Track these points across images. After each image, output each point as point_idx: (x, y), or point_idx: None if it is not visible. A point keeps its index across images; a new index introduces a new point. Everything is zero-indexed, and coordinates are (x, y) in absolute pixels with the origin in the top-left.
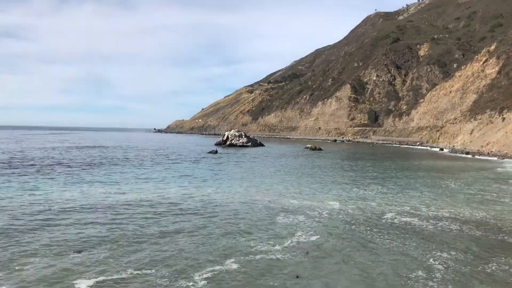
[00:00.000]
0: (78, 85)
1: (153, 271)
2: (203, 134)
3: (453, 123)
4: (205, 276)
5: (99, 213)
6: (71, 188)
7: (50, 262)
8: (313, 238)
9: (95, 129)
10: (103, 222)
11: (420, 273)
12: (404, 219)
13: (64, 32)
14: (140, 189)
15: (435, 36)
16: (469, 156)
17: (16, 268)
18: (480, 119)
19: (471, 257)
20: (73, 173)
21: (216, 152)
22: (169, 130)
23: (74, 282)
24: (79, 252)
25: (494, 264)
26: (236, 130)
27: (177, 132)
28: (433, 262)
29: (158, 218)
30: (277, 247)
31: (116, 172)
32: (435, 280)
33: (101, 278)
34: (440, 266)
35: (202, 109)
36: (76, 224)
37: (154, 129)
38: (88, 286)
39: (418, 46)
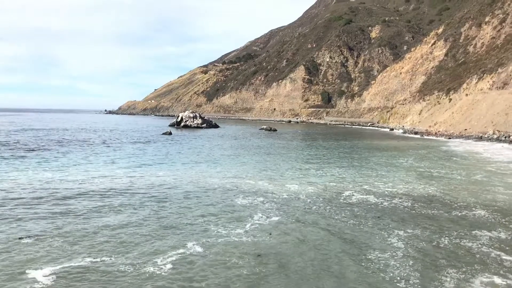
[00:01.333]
0: (24, 64)
1: (113, 259)
2: (156, 115)
3: (403, 104)
4: (169, 260)
5: (45, 199)
6: (17, 173)
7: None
8: (274, 219)
9: (42, 111)
10: (50, 208)
11: (379, 253)
12: (360, 196)
13: (8, 9)
14: (88, 172)
15: (386, 19)
16: (418, 136)
17: None
18: (428, 100)
19: (427, 232)
20: (13, 157)
21: (170, 133)
22: (120, 111)
23: (28, 271)
24: (29, 238)
25: (447, 238)
26: (191, 111)
27: (129, 114)
28: (392, 240)
29: (109, 202)
30: (238, 230)
31: (61, 155)
32: (396, 258)
33: (58, 267)
34: (400, 244)
35: (155, 89)
36: (21, 212)
37: (105, 110)
38: (44, 275)
39: (370, 28)
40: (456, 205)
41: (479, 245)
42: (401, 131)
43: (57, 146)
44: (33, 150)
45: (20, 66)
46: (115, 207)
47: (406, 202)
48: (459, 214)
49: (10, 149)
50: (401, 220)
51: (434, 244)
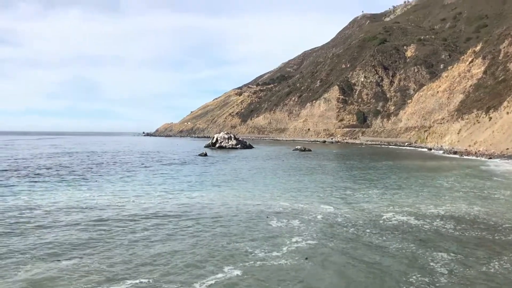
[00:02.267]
0: (65, 89)
1: (151, 281)
2: (192, 137)
3: (441, 123)
4: (208, 284)
5: (81, 217)
6: (58, 193)
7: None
8: (311, 242)
9: (83, 134)
10: (85, 227)
11: (421, 276)
12: (400, 218)
13: (50, 37)
14: (124, 193)
15: (422, 37)
16: (457, 156)
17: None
18: (467, 119)
19: (472, 258)
20: (56, 179)
21: (205, 154)
22: (158, 133)
23: None
24: (68, 260)
25: (496, 264)
26: (225, 132)
27: (166, 135)
28: (434, 265)
29: (147, 223)
30: (275, 253)
31: (99, 177)
32: (438, 285)
33: None
34: (443, 269)
35: (191, 112)
36: (58, 229)
37: (143, 132)
38: None
39: (405, 47)
40: (501, 228)
41: None
42: (440, 151)
43: (96, 168)
44: (73, 172)
45: (62, 91)
46: (151, 230)
47: (448, 224)
48: (505, 238)
49: (53, 171)
50: (444, 243)
51: (483, 269)
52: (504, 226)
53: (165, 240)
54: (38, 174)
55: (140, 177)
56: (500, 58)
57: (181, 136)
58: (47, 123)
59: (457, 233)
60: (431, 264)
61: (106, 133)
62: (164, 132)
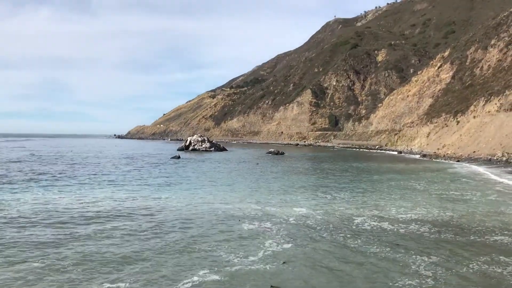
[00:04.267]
0: (35, 91)
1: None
2: (165, 139)
3: (410, 127)
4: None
5: (47, 222)
6: (27, 196)
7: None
8: (286, 246)
9: (53, 136)
10: (43, 229)
11: (407, 280)
12: (374, 223)
13: (19, 37)
14: (93, 194)
15: (392, 42)
16: (426, 158)
17: None
18: (436, 122)
19: (453, 260)
20: (27, 181)
21: (178, 157)
22: (129, 135)
23: None
24: (37, 262)
25: (478, 264)
26: (199, 135)
27: (138, 138)
28: (418, 268)
29: (112, 226)
30: (251, 258)
31: (70, 178)
32: (427, 286)
33: None
34: (427, 272)
35: (164, 114)
36: (23, 236)
37: (114, 135)
38: None
39: (376, 52)
40: (475, 230)
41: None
42: (409, 154)
43: (65, 170)
44: (40, 174)
45: (31, 93)
46: (119, 232)
47: (423, 227)
48: (480, 239)
49: (20, 173)
50: (421, 246)
51: (464, 270)
52: (477, 228)
53: (132, 244)
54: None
55: (107, 180)
56: (467, 63)
57: (153, 139)
58: (16, 126)
59: (433, 236)
60: (414, 267)
61: (77, 135)
62: (136, 135)
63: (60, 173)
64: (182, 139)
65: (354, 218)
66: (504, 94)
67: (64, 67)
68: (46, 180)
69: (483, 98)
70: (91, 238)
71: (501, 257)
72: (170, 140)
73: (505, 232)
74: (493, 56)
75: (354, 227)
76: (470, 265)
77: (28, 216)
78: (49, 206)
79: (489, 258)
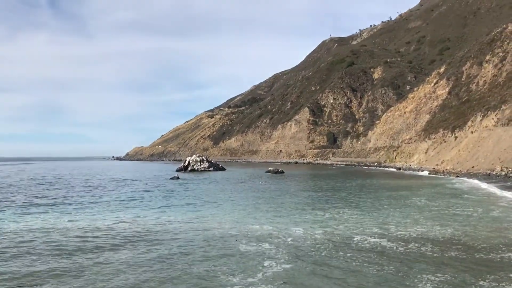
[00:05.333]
0: (31, 113)
1: None
2: (163, 160)
3: (409, 143)
4: None
5: (48, 244)
6: (25, 219)
7: None
8: (286, 266)
9: (51, 159)
10: (49, 252)
11: None
12: (374, 240)
13: (17, 60)
14: (94, 218)
15: (388, 60)
16: (426, 174)
17: None
18: (434, 138)
19: (459, 278)
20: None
21: (177, 178)
22: (128, 157)
23: None
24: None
25: (486, 284)
26: (198, 155)
27: (137, 159)
28: (425, 287)
29: (113, 248)
30: (250, 279)
31: (71, 202)
32: None
33: None
34: None
35: (162, 135)
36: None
37: (113, 157)
38: None
39: (372, 69)
40: (480, 247)
41: None
42: (408, 170)
43: (66, 195)
44: (41, 198)
45: (28, 115)
46: (118, 255)
47: (425, 245)
48: (486, 257)
49: (18, 197)
50: (425, 264)
51: None
52: (482, 245)
53: (133, 265)
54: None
55: (108, 203)
56: (463, 79)
57: (151, 160)
58: (12, 149)
59: (436, 253)
60: (420, 286)
61: (75, 158)
62: (135, 156)
63: (61, 197)
64: (181, 160)
65: (353, 236)
66: (501, 109)
67: (61, 89)
68: (46, 204)
69: (480, 113)
70: (91, 263)
71: (511, 275)
72: (169, 160)
73: (511, 249)
74: (489, 71)
75: (354, 246)
76: (480, 283)
77: (28, 240)
78: (51, 230)
79: (497, 276)
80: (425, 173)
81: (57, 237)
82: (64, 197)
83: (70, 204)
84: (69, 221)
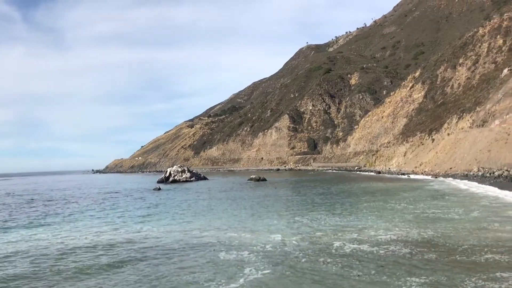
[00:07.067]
0: (10, 129)
1: None
2: (144, 172)
3: (387, 147)
4: None
5: (29, 259)
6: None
7: None
8: (266, 272)
9: (30, 174)
10: (22, 263)
11: None
12: (354, 245)
13: None
14: (77, 230)
15: (364, 66)
16: (405, 177)
17: None
18: (411, 141)
19: (445, 280)
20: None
21: (159, 189)
22: (108, 170)
23: None
24: None
25: (472, 284)
26: (179, 165)
27: (117, 172)
28: None
29: (96, 260)
30: (232, 285)
31: (52, 214)
32: None
33: None
34: None
35: (142, 146)
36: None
37: (92, 170)
38: None
39: (349, 75)
40: (461, 248)
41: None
42: (388, 173)
43: (45, 209)
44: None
45: (6, 131)
46: (97, 265)
47: (405, 248)
48: (469, 259)
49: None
50: (407, 267)
51: None
52: (464, 246)
53: (111, 275)
54: None
55: (86, 215)
56: (438, 82)
57: (132, 172)
58: None
59: (417, 256)
60: None
61: (55, 172)
62: (114, 169)
63: (40, 211)
64: (162, 171)
65: (333, 241)
66: (475, 110)
67: (40, 103)
68: (24, 220)
69: (455, 115)
70: (70, 273)
71: (496, 274)
72: (149, 172)
73: (494, 250)
74: (462, 74)
75: (333, 251)
76: (465, 282)
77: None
78: (30, 244)
79: (483, 276)
80: (404, 176)
81: (34, 252)
82: (43, 212)
83: (45, 220)
84: (52, 235)
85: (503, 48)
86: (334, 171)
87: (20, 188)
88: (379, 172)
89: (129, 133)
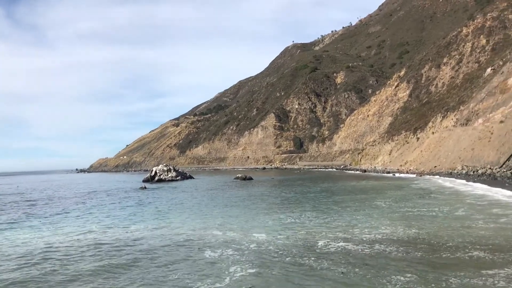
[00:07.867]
0: None
1: None
2: (129, 171)
3: (373, 145)
4: None
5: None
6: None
7: None
8: (251, 271)
9: (12, 174)
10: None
11: None
12: (338, 244)
13: None
14: (62, 229)
15: (350, 64)
16: (390, 175)
17: None
18: (397, 140)
19: (430, 277)
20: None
21: (144, 188)
22: (92, 169)
23: None
24: None
25: (456, 281)
26: (164, 164)
27: (101, 171)
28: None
29: (81, 257)
30: (217, 284)
31: (35, 215)
32: None
33: None
34: None
35: (127, 145)
36: None
37: (76, 169)
38: None
39: (334, 74)
40: (446, 246)
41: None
42: (373, 172)
43: (27, 208)
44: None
45: None
46: (84, 265)
47: (390, 246)
48: (453, 256)
49: None
50: (392, 266)
51: (444, 285)
52: (448, 244)
53: (96, 275)
54: None
55: (71, 215)
56: (422, 81)
57: (117, 171)
58: None
59: (401, 254)
60: (390, 286)
61: (38, 171)
62: (99, 168)
63: (23, 212)
64: (147, 170)
65: (317, 240)
66: (459, 109)
67: (22, 102)
68: (6, 222)
69: (440, 114)
70: (58, 273)
71: (481, 271)
72: (134, 171)
73: (477, 247)
74: (446, 73)
75: (318, 250)
76: (450, 280)
77: None
78: (15, 246)
79: (467, 273)
80: (390, 174)
81: (18, 255)
82: (26, 213)
83: (28, 220)
84: (36, 237)
85: (487, 48)
86: (320, 169)
87: (1, 188)
88: (365, 171)
89: (112, 132)
